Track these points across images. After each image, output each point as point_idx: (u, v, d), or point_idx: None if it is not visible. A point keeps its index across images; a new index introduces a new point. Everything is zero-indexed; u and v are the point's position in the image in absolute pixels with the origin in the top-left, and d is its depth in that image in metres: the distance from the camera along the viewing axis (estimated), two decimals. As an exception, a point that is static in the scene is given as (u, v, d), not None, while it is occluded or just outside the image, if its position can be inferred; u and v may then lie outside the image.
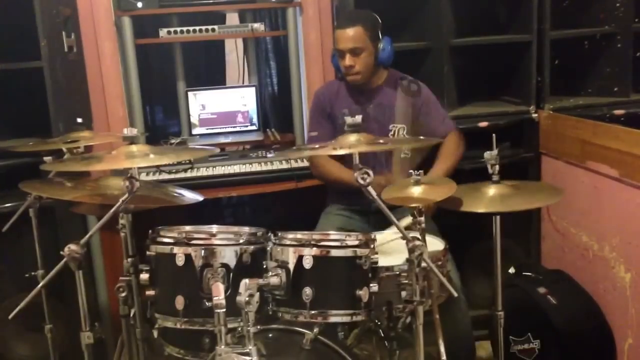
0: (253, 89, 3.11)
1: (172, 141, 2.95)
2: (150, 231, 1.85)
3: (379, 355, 1.99)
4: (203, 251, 1.74)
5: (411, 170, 1.90)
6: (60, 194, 1.97)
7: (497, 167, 1.96)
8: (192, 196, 2.09)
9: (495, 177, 1.97)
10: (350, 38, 2.39)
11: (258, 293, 1.50)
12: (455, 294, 1.66)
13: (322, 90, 2.64)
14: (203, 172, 2.69)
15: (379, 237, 1.94)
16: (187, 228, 1.80)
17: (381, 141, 1.82)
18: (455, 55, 2.79)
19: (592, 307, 2.48)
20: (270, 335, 1.80)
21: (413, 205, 1.81)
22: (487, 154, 1.94)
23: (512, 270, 2.70)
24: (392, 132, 2.52)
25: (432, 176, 2.30)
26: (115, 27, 2.91)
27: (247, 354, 1.44)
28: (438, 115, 2.58)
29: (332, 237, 1.77)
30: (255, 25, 2.96)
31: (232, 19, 3.25)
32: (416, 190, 1.88)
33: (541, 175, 2.87)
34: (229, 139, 3.07)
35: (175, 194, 2.11)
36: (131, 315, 1.97)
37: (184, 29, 2.89)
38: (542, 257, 2.95)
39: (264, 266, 1.78)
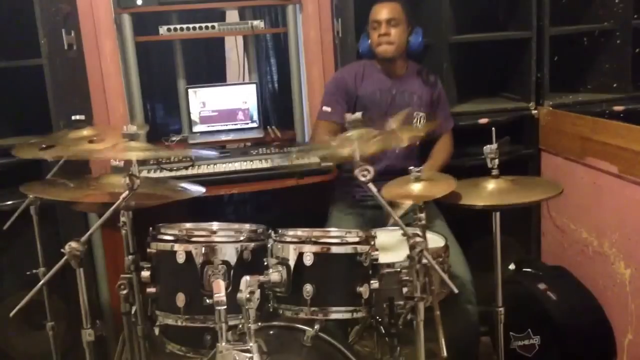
0: (253, 86, 3.10)
1: (173, 139, 2.95)
2: (150, 228, 1.86)
3: (380, 351, 2.00)
4: (204, 248, 1.75)
5: (411, 167, 1.91)
6: (60, 195, 1.97)
7: (496, 161, 1.96)
8: (195, 189, 2.09)
9: (494, 171, 1.98)
10: (389, 10, 2.48)
11: (259, 290, 1.50)
12: (456, 291, 1.66)
13: (348, 70, 2.62)
14: (204, 169, 2.69)
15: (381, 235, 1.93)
16: (188, 225, 1.80)
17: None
18: (454, 52, 2.79)
19: (592, 303, 2.49)
20: (271, 332, 1.81)
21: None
22: (486, 148, 1.95)
23: (512, 266, 2.71)
24: (415, 120, 2.55)
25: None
26: (115, 25, 2.91)
27: (248, 351, 1.44)
28: (445, 111, 2.68)
29: (332, 234, 1.77)
30: (255, 22, 2.95)
31: (232, 16, 3.25)
32: (416, 187, 1.88)
33: (541, 171, 2.88)
34: (230, 137, 3.06)
35: (178, 188, 2.11)
36: (132, 312, 1.98)
37: (184, 26, 2.89)
38: (542, 253, 2.95)
39: (265, 263, 1.79)
